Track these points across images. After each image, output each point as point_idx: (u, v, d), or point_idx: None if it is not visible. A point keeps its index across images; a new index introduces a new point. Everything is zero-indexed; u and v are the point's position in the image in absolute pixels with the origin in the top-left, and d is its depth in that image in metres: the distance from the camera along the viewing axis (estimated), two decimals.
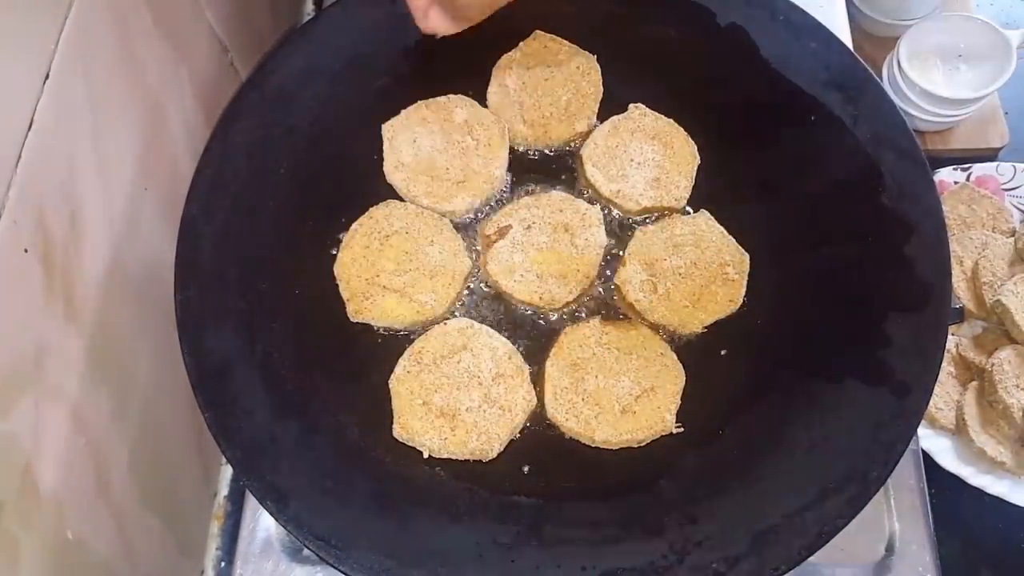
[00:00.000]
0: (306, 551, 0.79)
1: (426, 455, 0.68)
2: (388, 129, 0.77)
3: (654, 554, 0.65)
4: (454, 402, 0.68)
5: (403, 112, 0.78)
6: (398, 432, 0.68)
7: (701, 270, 0.72)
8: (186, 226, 0.74)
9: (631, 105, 0.79)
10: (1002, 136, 1.13)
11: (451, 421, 0.68)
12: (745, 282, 0.72)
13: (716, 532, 0.66)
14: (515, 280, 0.73)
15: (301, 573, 0.80)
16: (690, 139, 0.77)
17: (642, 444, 0.69)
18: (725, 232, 0.74)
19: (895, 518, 0.81)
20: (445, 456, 0.68)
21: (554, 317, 0.74)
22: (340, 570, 0.65)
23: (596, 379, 0.69)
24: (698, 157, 0.77)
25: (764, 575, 0.64)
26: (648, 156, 0.76)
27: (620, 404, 0.69)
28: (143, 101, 0.78)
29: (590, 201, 0.76)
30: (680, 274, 0.72)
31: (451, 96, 0.79)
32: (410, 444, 0.68)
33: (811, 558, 0.64)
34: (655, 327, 0.72)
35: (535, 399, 0.69)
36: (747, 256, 0.73)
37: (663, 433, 0.68)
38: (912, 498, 0.81)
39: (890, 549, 0.80)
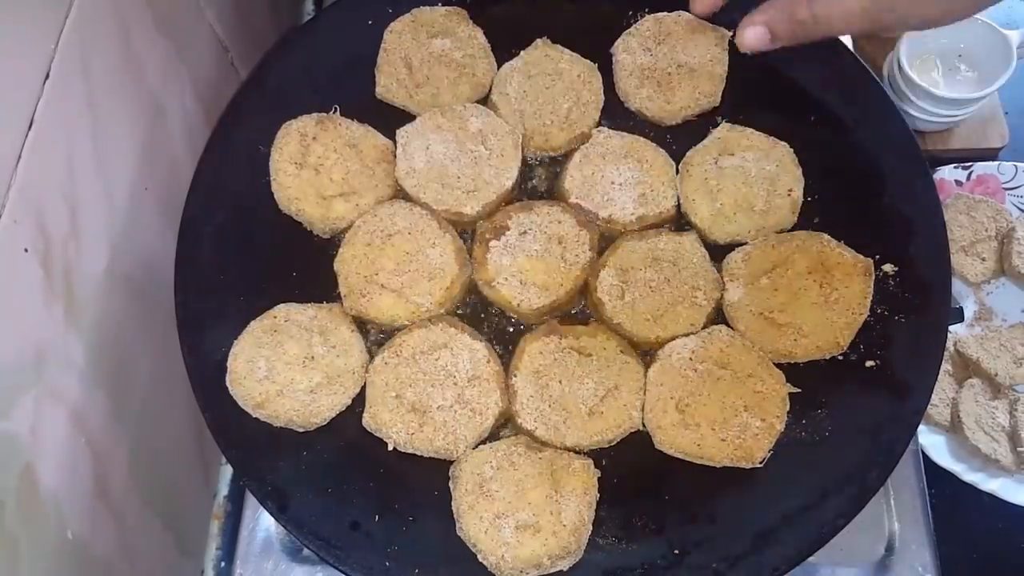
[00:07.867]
0: (306, 551, 0.79)
1: (391, 447, 0.67)
2: (402, 135, 0.76)
3: (654, 554, 0.65)
4: (426, 398, 0.68)
5: (418, 119, 0.77)
6: (367, 421, 0.68)
7: (672, 288, 0.72)
8: (186, 226, 0.74)
9: (594, 130, 0.78)
10: (1002, 136, 1.13)
11: (420, 417, 0.68)
12: (710, 311, 0.71)
13: (716, 532, 0.66)
14: (497, 282, 0.72)
15: (301, 573, 0.80)
16: (659, 148, 0.77)
17: (612, 444, 0.68)
18: (707, 257, 0.73)
19: (895, 518, 0.81)
20: (410, 451, 0.68)
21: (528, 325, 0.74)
22: (340, 570, 0.65)
23: (560, 384, 0.69)
24: (673, 163, 0.77)
25: (764, 575, 0.64)
26: (627, 175, 0.76)
27: (587, 406, 0.68)
28: (143, 101, 0.78)
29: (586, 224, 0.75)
30: (651, 287, 0.72)
31: (467, 104, 0.78)
32: (377, 435, 0.68)
33: (811, 558, 0.64)
34: (615, 331, 0.72)
35: (507, 404, 0.69)
36: (723, 288, 0.72)
37: (632, 430, 0.68)
38: (912, 498, 0.81)
39: (890, 549, 0.80)
